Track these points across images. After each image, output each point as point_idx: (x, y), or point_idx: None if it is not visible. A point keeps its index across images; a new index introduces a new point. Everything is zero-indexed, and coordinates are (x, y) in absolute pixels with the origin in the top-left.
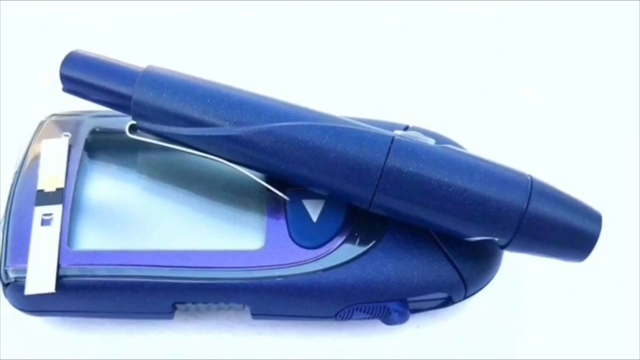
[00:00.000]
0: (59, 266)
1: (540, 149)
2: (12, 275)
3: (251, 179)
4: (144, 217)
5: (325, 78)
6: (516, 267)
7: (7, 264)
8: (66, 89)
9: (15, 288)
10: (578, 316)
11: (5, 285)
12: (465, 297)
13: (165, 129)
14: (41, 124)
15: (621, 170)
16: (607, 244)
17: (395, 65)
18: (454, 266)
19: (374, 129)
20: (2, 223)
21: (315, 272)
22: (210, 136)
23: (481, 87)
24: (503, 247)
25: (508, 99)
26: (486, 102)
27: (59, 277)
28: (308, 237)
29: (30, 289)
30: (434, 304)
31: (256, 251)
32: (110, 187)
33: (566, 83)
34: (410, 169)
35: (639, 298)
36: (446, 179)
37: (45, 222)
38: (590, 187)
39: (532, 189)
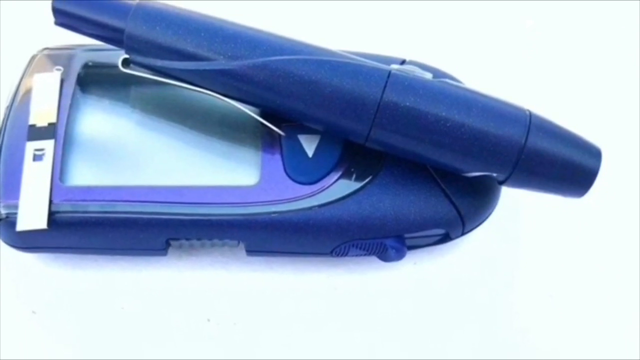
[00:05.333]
0: (51, 202)
1: (540, 84)
2: (3, 211)
3: (246, 113)
4: (138, 153)
5: (321, 10)
6: (515, 202)
7: None
8: (58, 23)
9: (6, 224)
10: (576, 252)
11: None
12: (463, 234)
13: (159, 62)
14: (33, 57)
15: (621, 105)
16: (607, 179)
17: None
18: (452, 202)
19: (370, 62)
20: None
21: (310, 208)
22: (205, 70)
23: (480, 20)
24: (501, 183)
25: (507, 34)
26: (485, 36)
27: (51, 213)
28: (303, 172)
29: (22, 225)
30: (431, 240)
31: (251, 187)
32: (103, 122)
33: (566, 18)
34: (407, 104)
35: (638, 233)
36: (443, 114)
37: (37, 158)
38: (590, 123)
39: (531, 123)
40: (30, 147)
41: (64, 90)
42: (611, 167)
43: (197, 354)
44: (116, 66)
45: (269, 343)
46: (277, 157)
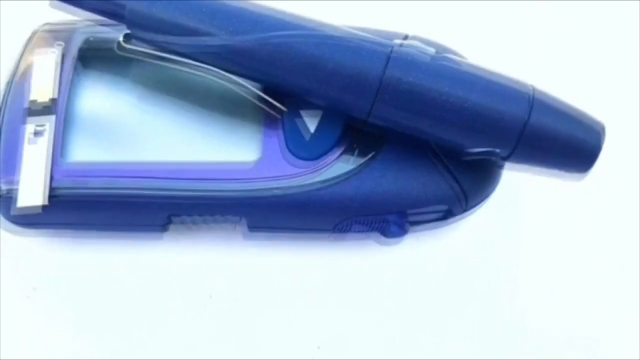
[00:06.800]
0: (51, 179)
1: (544, 59)
2: (3, 187)
3: (248, 90)
4: (138, 129)
5: None
6: (516, 182)
7: None
8: None
9: (6, 201)
10: (578, 233)
11: None
12: (465, 210)
13: (161, 38)
14: (34, 33)
15: (625, 84)
16: (609, 160)
17: None
18: (454, 177)
19: (372, 38)
20: None
21: (312, 184)
22: (207, 46)
23: None
24: (504, 159)
25: (511, 7)
26: (488, 10)
27: (51, 190)
28: (305, 149)
29: (22, 201)
30: (433, 216)
31: (252, 163)
32: (103, 99)
33: None
34: (410, 80)
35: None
36: (446, 90)
37: (37, 134)
38: (594, 101)
39: (534, 100)
40: (31, 123)
41: (64, 67)
42: (614, 146)
43: (199, 331)
44: (117, 42)
45: (270, 320)
46: (279, 133)
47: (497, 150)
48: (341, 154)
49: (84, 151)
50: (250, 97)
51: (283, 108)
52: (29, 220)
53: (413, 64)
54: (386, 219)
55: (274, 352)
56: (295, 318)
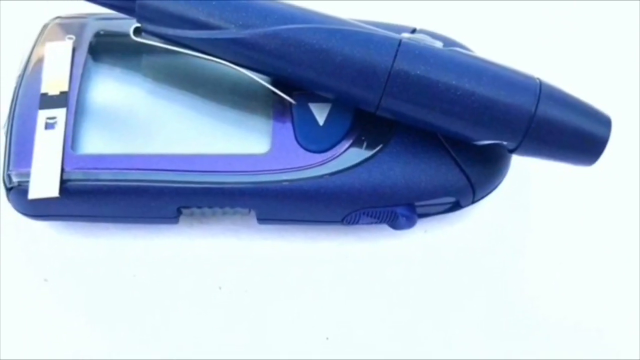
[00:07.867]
0: (62, 170)
1: (550, 54)
2: (15, 179)
3: (257, 82)
4: (149, 121)
5: None
6: (525, 171)
7: (11, 167)
8: None
9: (18, 192)
10: (586, 220)
11: (9, 190)
12: (473, 202)
13: (170, 31)
14: (45, 26)
15: (632, 73)
16: (616, 148)
17: None
18: (462, 170)
19: (381, 31)
20: (6, 127)
21: (321, 176)
22: (216, 39)
23: None
24: (512, 151)
25: (517, 2)
26: (495, 5)
27: (62, 182)
28: (314, 140)
29: (34, 193)
30: (442, 208)
31: (262, 155)
32: (114, 91)
33: None
34: (418, 72)
35: None
36: (454, 82)
37: (49, 126)
38: (600, 91)
39: (541, 91)
40: (42, 115)
41: (75, 59)
42: (621, 135)
43: (209, 322)
44: (128, 35)
45: (279, 310)
46: (288, 125)
47: (505, 143)
48: (350, 146)
49: (95, 143)
50: (260, 90)
51: (292, 101)
52: (40, 211)
53: (421, 56)
54: (395, 210)
55: (282, 344)
56: (304, 309)
